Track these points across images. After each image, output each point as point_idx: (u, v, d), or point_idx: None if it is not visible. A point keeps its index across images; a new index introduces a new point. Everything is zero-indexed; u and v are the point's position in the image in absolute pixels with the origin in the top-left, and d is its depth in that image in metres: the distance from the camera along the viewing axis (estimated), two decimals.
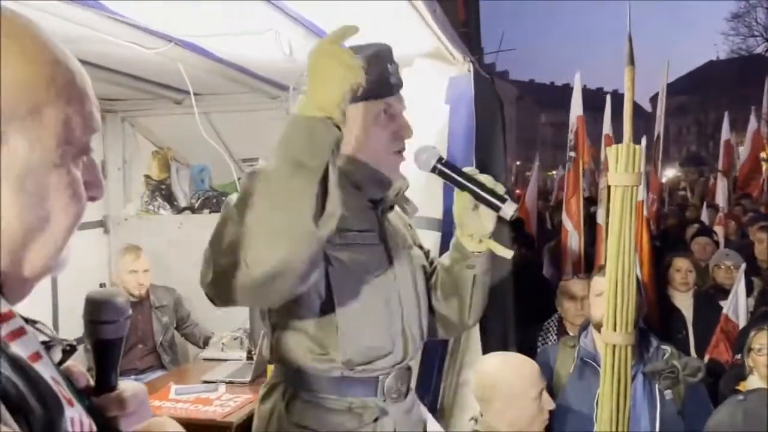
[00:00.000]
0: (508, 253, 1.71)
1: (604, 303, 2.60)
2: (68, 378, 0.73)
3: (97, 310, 0.92)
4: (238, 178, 3.91)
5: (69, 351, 0.75)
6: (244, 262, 1.18)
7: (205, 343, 4.00)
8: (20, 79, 0.66)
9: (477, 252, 1.69)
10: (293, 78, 3.21)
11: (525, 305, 3.69)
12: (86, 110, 0.72)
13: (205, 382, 3.27)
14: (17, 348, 0.62)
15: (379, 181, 1.62)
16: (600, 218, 4.81)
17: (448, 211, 2.55)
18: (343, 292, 1.53)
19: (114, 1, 2.29)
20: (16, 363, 0.61)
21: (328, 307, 1.53)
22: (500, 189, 1.61)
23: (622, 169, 1.92)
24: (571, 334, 3.53)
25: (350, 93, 1.25)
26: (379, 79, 1.54)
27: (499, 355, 2.34)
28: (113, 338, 0.93)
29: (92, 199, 0.75)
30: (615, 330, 1.95)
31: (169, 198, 4.49)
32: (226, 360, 3.64)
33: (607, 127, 5.22)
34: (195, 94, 3.30)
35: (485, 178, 1.62)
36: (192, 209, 4.43)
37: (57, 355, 0.73)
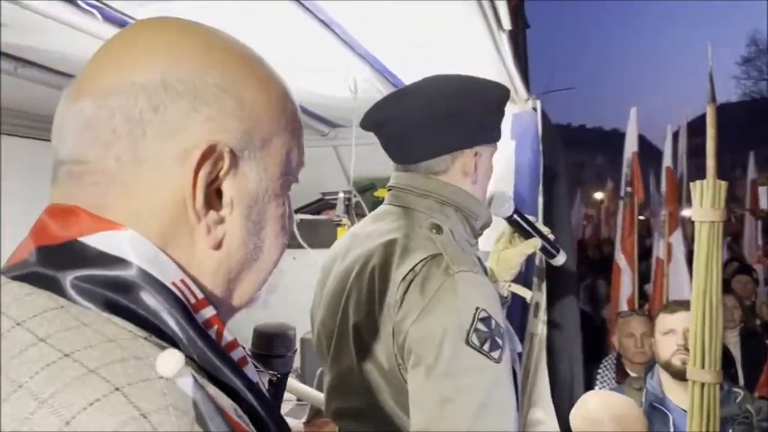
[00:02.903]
0: (527, 294, 1.78)
1: (671, 341, 2.60)
2: None
3: (267, 344, 0.92)
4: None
5: (276, 383, 0.79)
6: None
7: None
8: (258, 108, 0.66)
9: (506, 297, 1.76)
10: (354, 116, 3.25)
11: None
12: (302, 143, 0.73)
13: None
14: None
15: (487, 225, 1.61)
16: (661, 252, 4.80)
17: None
18: None
19: None
20: (253, 388, 0.61)
21: None
22: (552, 237, 1.79)
23: (708, 205, 1.92)
24: (630, 372, 3.50)
25: None
26: (500, 123, 1.56)
27: (609, 394, 2.29)
28: (282, 372, 0.93)
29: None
30: (703, 367, 1.93)
31: None
32: None
33: (668, 160, 5.25)
34: None
35: (542, 227, 1.79)
36: None
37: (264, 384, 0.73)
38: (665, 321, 2.67)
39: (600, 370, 3.72)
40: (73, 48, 2.06)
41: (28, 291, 0.56)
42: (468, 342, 1.18)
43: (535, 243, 1.75)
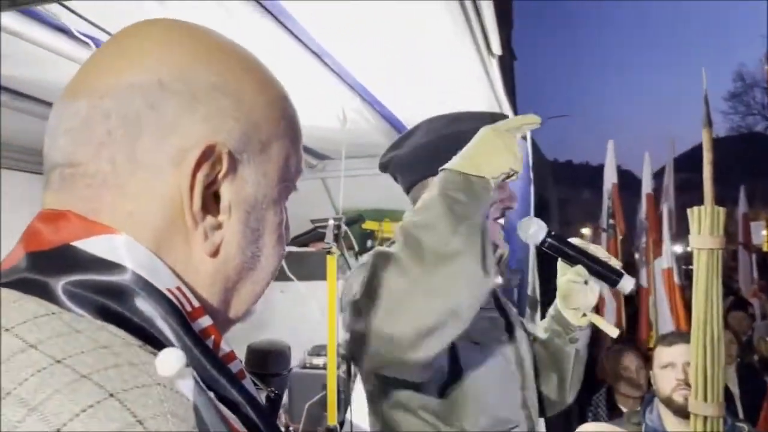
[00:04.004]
0: (613, 331, 1.63)
1: (671, 376, 2.52)
2: None
3: (261, 362, 0.86)
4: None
5: (274, 399, 0.72)
6: (412, 312, 1.13)
7: None
8: (257, 111, 0.64)
9: (581, 326, 1.64)
10: (342, 147, 3.20)
11: None
12: (300, 150, 0.71)
13: None
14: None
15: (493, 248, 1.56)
16: (643, 280, 4.73)
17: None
18: (469, 362, 1.46)
19: None
20: (253, 401, 0.57)
21: (452, 381, 1.45)
22: (615, 262, 1.57)
23: (707, 232, 1.87)
24: (623, 407, 3.41)
25: (504, 176, 1.27)
26: None
27: (605, 426, 2.20)
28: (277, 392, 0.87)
29: None
30: (706, 400, 1.85)
31: None
32: None
33: (647, 187, 5.23)
34: None
35: (597, 250, 1.58)
36: None
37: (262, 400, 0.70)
38: (663, 354, 2.59)
39: (591, 408, 3.62)
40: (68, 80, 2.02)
41: (16, 297, 0.52)
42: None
43: (579, 271, 1.56)
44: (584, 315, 1.62)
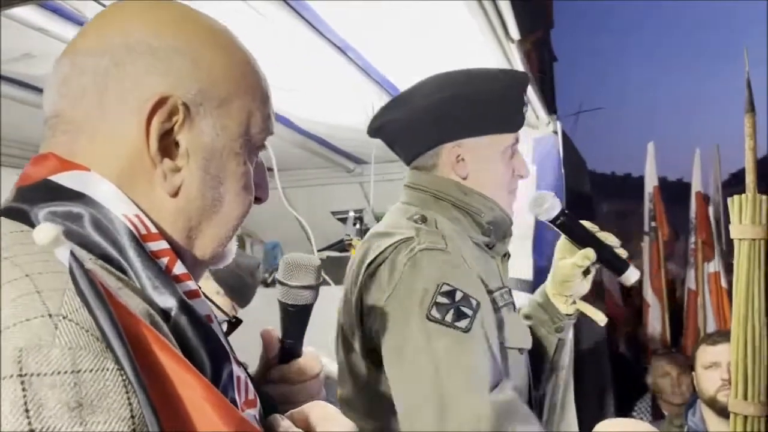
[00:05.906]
0: (601, 319, 1.55)
1: (715, 376, 2.43)
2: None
3: (293, 273, 0.92)
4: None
5: (235, 324, 0.87)
6: None
7: None
8: (217, 70, 0.73)
9: (568, 315, 1.55)
10: (373, 147, 3.18)
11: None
12: (267, 111, 0.78)
13: None
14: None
15: (506, 227, 1.48)
16: (691, 282, 4.58)
17: (538, 272, 2.44)
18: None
19: None
20: (193, 316, 0.65)
21: None
22: (623, 252, 1.50)
23: (748, 221, 1.79)
24: (666, 413, 3.30)
25: None
26: (514, 111, 1.43)
27: (629, 421, 2.13)
28: (307, 304, 0.93)
29: (258, 200, 0.80)
30: (746, 399, 1.76)
31: None
32: None
33: (697, 185, 5.06)
34: (271, 170, 3.29)
35: (607, 236, 1.50)
36: (265, 284, 4.38)
37: (224, 326, 0.82)
38: (707, 353, 2.50)
39: (634, 413, 3.50)
40: None
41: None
42: (428, 317, 1.22)
43: (588, 254, 1.46)
44: (573, 303, 1.54)
